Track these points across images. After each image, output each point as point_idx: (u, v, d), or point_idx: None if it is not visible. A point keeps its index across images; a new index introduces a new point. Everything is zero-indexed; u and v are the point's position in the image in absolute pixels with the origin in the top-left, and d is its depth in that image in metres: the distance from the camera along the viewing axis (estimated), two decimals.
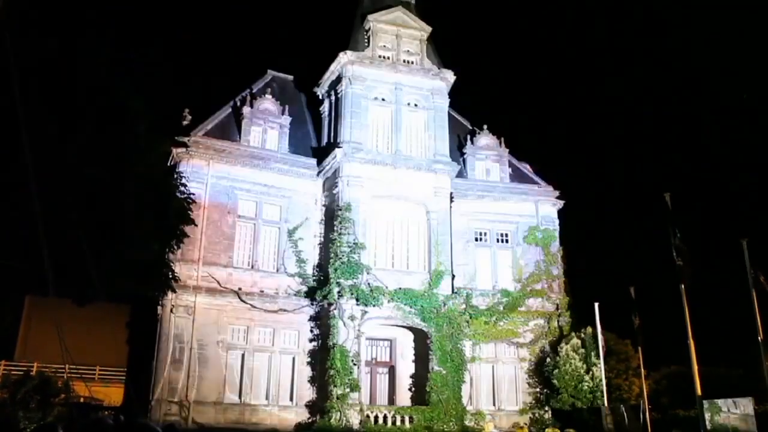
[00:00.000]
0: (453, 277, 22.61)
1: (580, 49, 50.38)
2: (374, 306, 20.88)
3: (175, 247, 20.94)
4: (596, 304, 21.66)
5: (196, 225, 21.19)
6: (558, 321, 23.83)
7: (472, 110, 23.67)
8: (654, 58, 49.68)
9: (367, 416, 19.79)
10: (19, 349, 24.88)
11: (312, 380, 21.28)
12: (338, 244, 21.27)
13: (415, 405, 21.13)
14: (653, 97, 49.21)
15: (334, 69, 24.36)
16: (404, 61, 24.72)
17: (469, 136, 26.92)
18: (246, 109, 24.00)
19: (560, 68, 53.54)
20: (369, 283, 21.07)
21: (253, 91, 25.15)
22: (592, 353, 21.18)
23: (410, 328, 22.18)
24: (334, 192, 22.58)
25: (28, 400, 20.01)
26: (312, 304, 22.01)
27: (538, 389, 22.47)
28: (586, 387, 20.86)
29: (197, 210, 21.35)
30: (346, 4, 26.95)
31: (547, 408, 21.78)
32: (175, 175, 21.95)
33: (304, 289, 22.29)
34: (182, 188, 21.77)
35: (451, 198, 23.89)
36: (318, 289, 21.83)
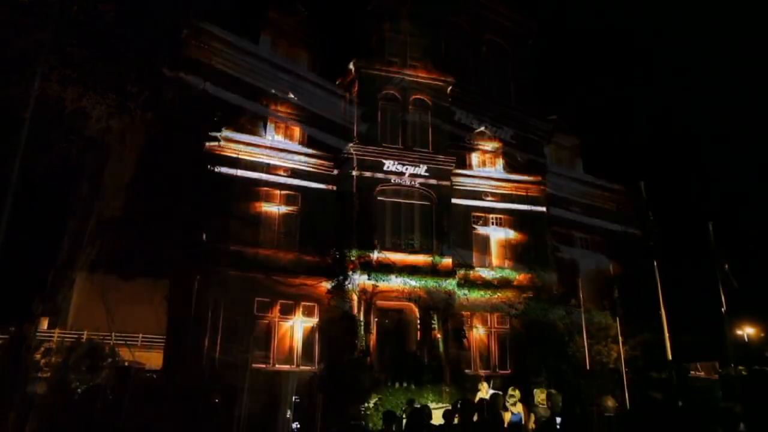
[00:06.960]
0: (453, 255, 25.52)
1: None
2: (384, 281, 23.80)
3: (211, 230, 23.96)
4: (579, 280, 24.55)
5: (228, 212, 24.25)
6: (545, 295, 26.70)
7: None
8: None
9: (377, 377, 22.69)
10: (72, 318, 28.01)
11: (329, 344, 24.23)
12: (352, 226, 24.21)
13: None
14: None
15: (349, 72, 27.16)
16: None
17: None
18: (270, 108, 26.99)
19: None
20: (380, 261, 24.02)
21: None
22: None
23: (416, 302, 24.97)
24: (349, 179, 25.44)
25: (80, 364, 22.80)
26: (329, 279, 24.92)
27: (527, 354, 25.29)
28: (570, 352, 23.70)
29: (228, 197, 24.36)
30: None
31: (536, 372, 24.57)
32: (209, 167, 24.92)
33: (322, 265, 25.24)
34: (215, 179, 24.71)
35: (451, 183, 26.80)
36: (335, 265, 24.81)
